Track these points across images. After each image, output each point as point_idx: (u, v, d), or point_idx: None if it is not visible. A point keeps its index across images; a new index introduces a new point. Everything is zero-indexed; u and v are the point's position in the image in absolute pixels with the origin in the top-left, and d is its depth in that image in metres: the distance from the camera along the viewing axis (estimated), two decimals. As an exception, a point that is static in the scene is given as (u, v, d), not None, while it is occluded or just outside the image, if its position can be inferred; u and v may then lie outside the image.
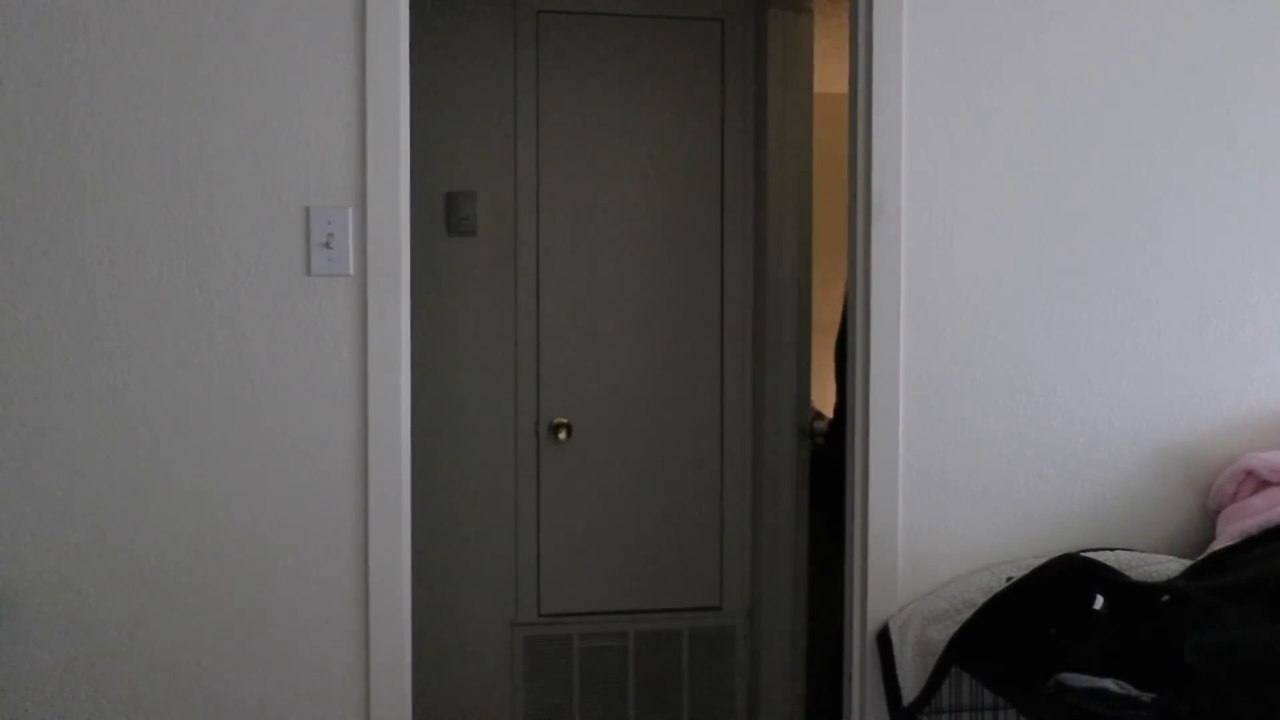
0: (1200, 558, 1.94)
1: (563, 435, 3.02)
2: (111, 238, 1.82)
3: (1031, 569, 1.90)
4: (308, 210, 1.86)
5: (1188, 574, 1.88)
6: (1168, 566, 1.94)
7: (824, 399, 3.77)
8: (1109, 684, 1.51)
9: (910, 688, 1.95)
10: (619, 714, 3.05)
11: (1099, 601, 1.70)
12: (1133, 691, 1.49)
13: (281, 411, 1.88)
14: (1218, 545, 1.95)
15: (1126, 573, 1.85)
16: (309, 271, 1.87)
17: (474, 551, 3.03)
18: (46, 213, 1.81)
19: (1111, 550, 2.00)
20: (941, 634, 1.90)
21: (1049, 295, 2.08)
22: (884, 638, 2.01)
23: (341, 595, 1.91)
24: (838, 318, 2.15)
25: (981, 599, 1.90)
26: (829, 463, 2.64)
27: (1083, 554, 1.92)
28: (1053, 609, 1.76)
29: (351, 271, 1.87)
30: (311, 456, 1.89)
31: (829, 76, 3.07)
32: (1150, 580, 1.84)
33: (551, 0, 2.93)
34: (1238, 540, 1.92)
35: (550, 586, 3.05)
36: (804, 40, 2.96)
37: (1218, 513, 2.09)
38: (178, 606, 1.87)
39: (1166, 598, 1.69)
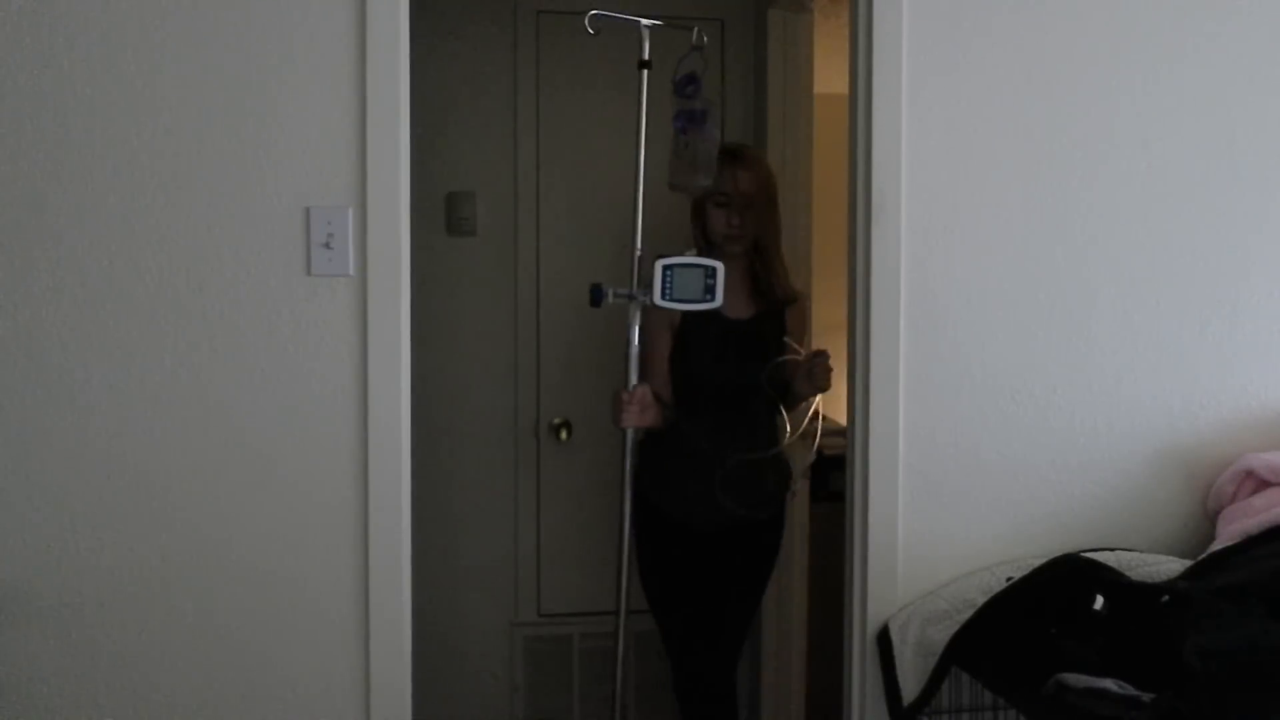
0: (1200, 558, 1.94)
1: (563, 435, 3.02)
2: (111, 238, 1.82)
3: (1031, 569, 1.90)
4: (308, 210, 1.86)
5: (1188, 574, 1.88)
6: (1168, 566, 1.94)
7: (824, 399, 3.76)
8: (1109, 684, 1.51)
9: (910, 688, 1.95)
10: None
11: (1099, 601, 1.71)
12: (1133, 691, 1.49)
13: (282, 411, 1.88)
14: (1218, 545, 1.95)
15: (1126, 573, 1.85)
16: (309, 271, 1.87)
17: (474, 551, 3.03)
18: (46, 213, 1.81)
19: (1111, 550, 2.00)
20: (941, 634, 1.90)
21: (1049, 295, 2.08)
22: (884, 638, 2.01)
23: (341, 595, 1.91)
24: (842, 318, 2.15)
25: (981, 599, 1.90)
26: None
27: (1083, 554, 1.92)
28: (1053, 609, 1.76)
29: (351, 271, 1.87)
30: (312, 457, 1.89)
31: (829, 76, 3.07)
32: (1150, 580, 1.84)
33: (551, 0, 2.93)
34: (1238, 540, 1.92)
35: (550, 586, 3.06)
36: (804, 40, 2.97)
37: (1218, 513, 2.09)
38: (177, 606, 1.87)
39: (1166, 598, 1.69)
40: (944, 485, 2.07)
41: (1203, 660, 1.52)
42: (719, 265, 2.16)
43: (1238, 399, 2.14)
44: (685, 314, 2.41)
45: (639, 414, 2.26)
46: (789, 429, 2.49)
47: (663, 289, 2.15)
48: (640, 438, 2.38)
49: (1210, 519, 2.12)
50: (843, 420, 2.74)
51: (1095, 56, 2.07)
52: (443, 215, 2.97)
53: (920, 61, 2.02)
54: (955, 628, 1.88)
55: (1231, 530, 1.96)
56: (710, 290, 2.15)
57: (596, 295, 2.16)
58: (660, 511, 2.50)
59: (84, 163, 1.81)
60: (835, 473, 2.56)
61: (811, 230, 2.99)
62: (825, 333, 3.05)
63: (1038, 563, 1.92)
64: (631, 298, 2.19)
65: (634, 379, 2.23)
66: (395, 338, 1.89)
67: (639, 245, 2.21)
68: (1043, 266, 2.07)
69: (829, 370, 2.39)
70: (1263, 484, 2.02)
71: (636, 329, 2.19)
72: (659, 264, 2.14)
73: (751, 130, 3.02)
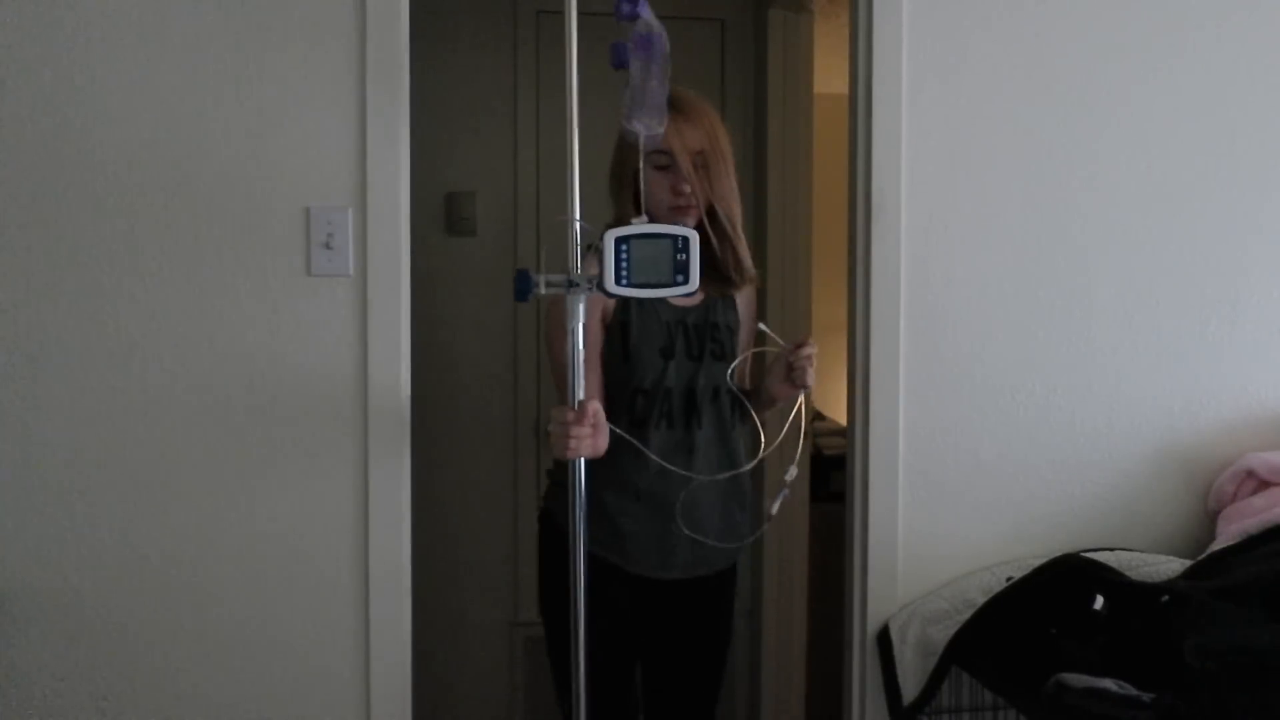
0: (1200, 558, 1.94)
1: (563, 435, 3.01)
2: (112, 238, 1.82)
3: (1031, 569, 1.90)
4: (308, 210, 1.86)
5: (1188, 574, 1.88)
6: (1168, 566, 1.94)
7: (824, 399, 3.77)
8: (1109, 684, 1.51)
9: (910, 688, 1.95)
10: (619, 714, 3.05)
11: (1099, 601, 1.71)
12: (1133, 691, 1.49)
13: (281, 411, 1.87)
14: (1218, 545, 1.95)
15: (1126, 573, 1.85)
16: (309, 272, 1.87)
17: (474, 551, 3.03)
18: (47, 213, 1.81)
19: (1111, 550, 2.01)
20: (942, 634, 1.90)
21: (1049, 295, 2.08)
22: (884, 638, 2.01)
23: (342, 596, 1.91)
24: (842, 318, 2.14)
25: (982, 599, 1.90)
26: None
27: (1083, 554, 1.92)
28: (1053, 609, 1.76)
29: (351, 272, 1.87)
30: (311, 457, 1.89)
31: (829, 77, 3.08)
32: (1150, 580, 1.84)
33: (551, 0, 2.93)
34: (1238, 540, 1.92)
35: (550, 586, 3.05)
36: (804, 40, 2.96)
37: (1218, 513, 2.09)
38: (178, 604, 1.87)
39: (1166, 598, 1.69)
40: (944, 485, 2.07)
41: (1203, 660, 1.52)
42: (692, 234, 1.59)
43: (1238, 399, 2.14)
44: (624, 303, 1.87)
45: (592, 438, 1.65)
46: (764, 440, 1.90)
47: (617, 271, 1.57)
48: (551, 464, 1.96)
49: (1210, 519, 2.12)
50: (843, 420, 2.74)
51: (1095, 56, 2.07)
52: (443, 215, 2.96)
53: (920, 62, 2.02)
54: (955, 627, 1.88)
55: (1231, 530, 1.96)
56: (683, 269, 1.59)
57: (523, 285, 1.59)
58: (592, 557, 1.77)
59: (84, 163, 1.81)
60: (835, 473, 2.56)
61: (811, 230, 2.99)
62: (825, 333, 3.05)
63: (1038, 562, 1.92)
64: (572, 286, 1.61)
65: (579, 392, 1.64)
66: (395, 338, 1.89)
67: (579, 214, 1.64)
68: (1043, 266, 2.07)
69: (810, 365, 1.89)
70: (1263, 484, 2.03)
71: (579, 325, 1.63)
72: (609, 237, 1.56)
73: (751, 130, 3.02)
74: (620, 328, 1.89)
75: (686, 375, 1.91)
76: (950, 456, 2.07)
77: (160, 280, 1.84)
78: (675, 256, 1.59)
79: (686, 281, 1.59)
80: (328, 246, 1.86)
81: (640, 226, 1.60)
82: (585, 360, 1.73)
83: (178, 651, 1.88)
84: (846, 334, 2.12)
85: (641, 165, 1.78)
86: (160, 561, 1.86)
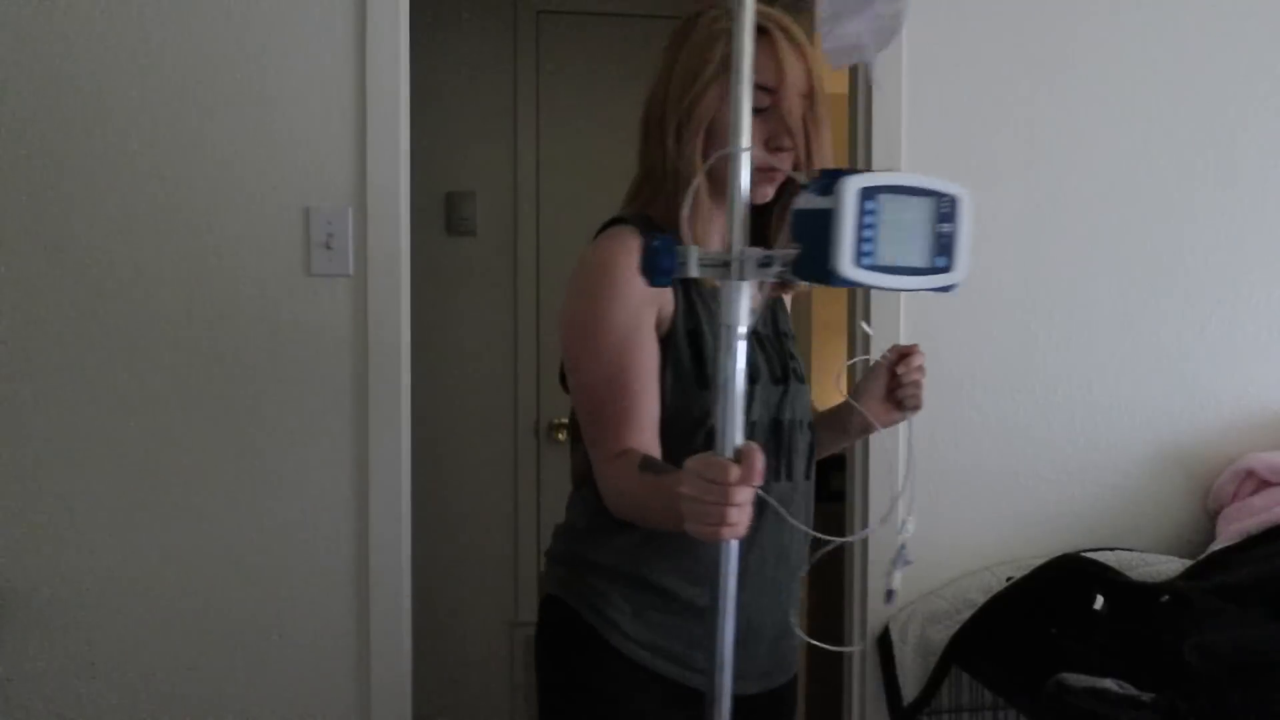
0: (1200, 558, 1.94)
1: (562, 435, 3.02)
2: (112, 239, 1.82)
3: (1031, 569, 1.90)
4: (308, 210, 1.86)
5: (1188, 574, 1.88)
6: (1168, 566, 1.94)
7: (824, 399, 3.76)
8: (1109, 684, 1.51)
9: (910, 688, 1.95)
10: (619, 714, 3.04)
11: (1099, 601, 1.70)
12: (1133, 691, 1.49)
13: (282, 411, 1.87)
14: (1218, 545, 1.96)
15: (1126, 573, 1.85)
16: (309, 272, 1.87)
17: (474, 551, 3.03)
18: (47, 214, 1.81)
19: (1111, 550, 2.01)
20: (942, 634, 1.90)
21: (1049, 295, 2.08)
22: (884, 638, 2.01)
23: (342, 596, 1.90)
24: (842, 318, 2.14)
25: (982, 599, 1.90)
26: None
27: (1083, 554, 1.92)
28: (1053, 609, 1.76)
29: (351, 272, 1.87)
30: (312, 456, 1.89)
31: (829, 77, 3.07)
32: (1150, 580, 1.84)
33: (551, 0, 2.93)
34: (1238, 540, 1.92)
35: (550, 586, 3.05)
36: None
37: (1218, 513, 2.09)
38: (178, 604, 1.87)
39: (1166, 598, 1.69)
40: (944, 485, 2.06)
41: (1203, 659, 1.52)
42: (961, 194, 0.96)
43: (1238, 399, 2.14)
44: (688, 304, 1.32)
45: (746, 504, 1.00)
46: (900, 490, 1.38)
47: (859, 242, 0.91)
48: (567, 529, 1.47)
49: (1210, 519, 2.12)
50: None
51: (1095, 56, 2.07)
52: (443, 215, 2.97)
53: (920, 60, 2.02)
54: (955, 628, 1.88)
55: (1231, 530, 1.96)
56: (946, 249, 0.96)
57: (663, 262, 0.97)
58: (635, 668, 1.34)
59: (84, 164, 1.81)
60: (835, 473, 2.56)
61: (811, 230, 2.98)
62: (825, 332, 3.06)
63: (1038, 562, 1.92)
64: (761, 266, 0.98)
65: (736, 435, 1.00)
66: (395, 338, 1.89)
67: (745, 144, 1.00)
68: (1043, 266, 2.07)
69: (920, 380, 1.45)
70: (1263, 484, 2.02)
71: (741, 327, 0.99)
72: (850, 185, 0.90)
73: (751, 130, 3.02)
74: (689, 338, 1.32)
75: (773, 404, 1.38)
76: (950, 457, 2.06)
77: (161, 281, 1.84)
78: (937, 228, 0.97)
79: (949, 268, 0.97)
80: (328, 247, 1.86)
81: (896, 175, 0.95)
82: (641, 383, 1.27)
83: (177, 652, 1.88)
84: (846, 334, 2.12)
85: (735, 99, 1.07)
86: (159, 562, 1.86)
